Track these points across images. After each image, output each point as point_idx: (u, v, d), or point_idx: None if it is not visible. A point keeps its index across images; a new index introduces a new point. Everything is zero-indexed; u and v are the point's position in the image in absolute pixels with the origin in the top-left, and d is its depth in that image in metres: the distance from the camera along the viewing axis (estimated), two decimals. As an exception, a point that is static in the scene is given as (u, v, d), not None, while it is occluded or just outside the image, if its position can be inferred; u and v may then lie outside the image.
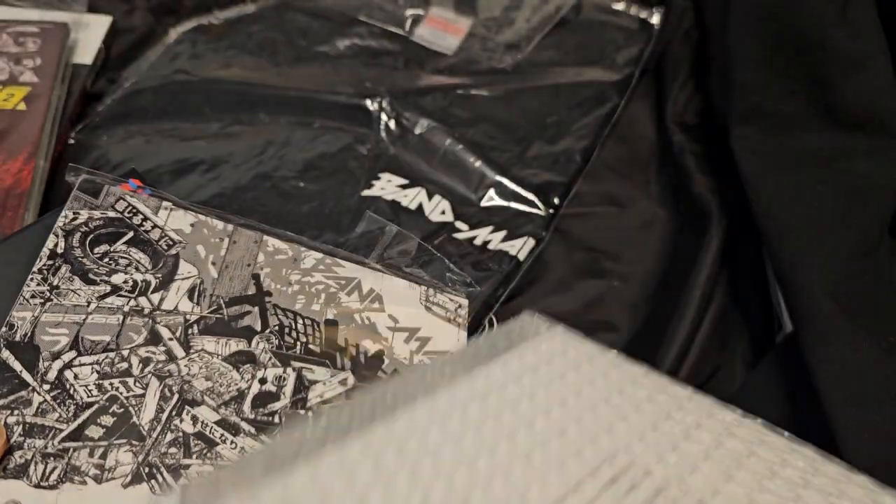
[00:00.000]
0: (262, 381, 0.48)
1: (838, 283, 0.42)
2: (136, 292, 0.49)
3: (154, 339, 0.47)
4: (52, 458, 0.42)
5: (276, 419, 0.47)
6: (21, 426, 0.42)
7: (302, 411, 0.48)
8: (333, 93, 0.56)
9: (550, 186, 0.56)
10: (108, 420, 0.44)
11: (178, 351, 0.48)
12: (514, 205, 0.55)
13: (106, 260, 0.49)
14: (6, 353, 0.44)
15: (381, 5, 0.58)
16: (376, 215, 0.56)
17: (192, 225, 0.53)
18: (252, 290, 0.52)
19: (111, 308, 0.48)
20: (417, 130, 0.55)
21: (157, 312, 0.48)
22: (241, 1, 0.62)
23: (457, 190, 0.55)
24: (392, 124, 0.55)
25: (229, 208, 0.54)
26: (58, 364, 0.45)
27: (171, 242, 0.52)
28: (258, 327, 0.50)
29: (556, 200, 0.56)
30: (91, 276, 0.48)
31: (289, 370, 0.49)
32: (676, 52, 0.58)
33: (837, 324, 0.41)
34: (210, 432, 0.45)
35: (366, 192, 0.55)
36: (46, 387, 0.44)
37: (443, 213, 0.55)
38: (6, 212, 0.49)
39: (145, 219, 0.52)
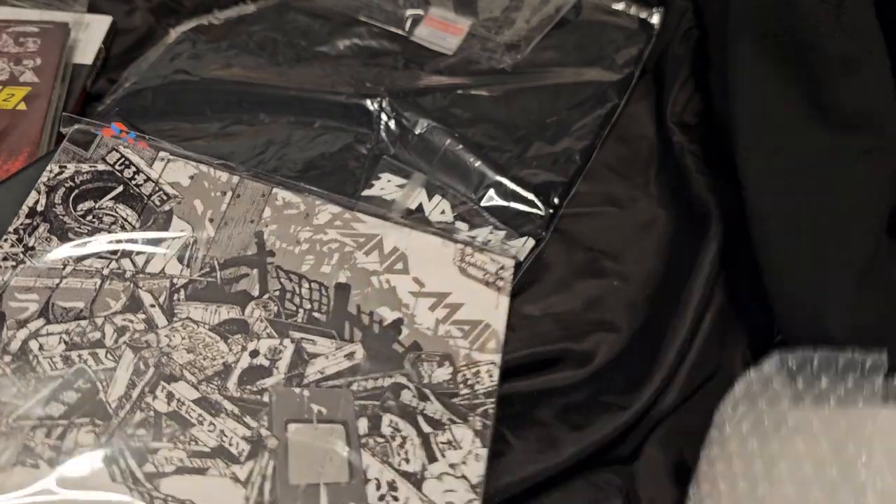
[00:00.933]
0: (254, 353, 0.42)
1: (840, 298, 0.41)
2: (119, 253, 0.44)
3: (133, 305, 0.42)
4: (3, 438, 0.37)
5: (265, 398, 0.41)
6: (-25, 401, 0.38)
7: (297, 389, 0.42)
8: (333, 93, 0.54)
9: (550, 186, 0.53)
10: (71, 396, 0.39)
11: (160, 319, 0.42)
12: (513, 205, 0.52)
13: (89, 218, 0.44)
14: (-32, 321, 0.40)
15: (381, 5, 0.56)
16: (397, 162, 0.48)
17: (191, 177, 0.47)
18: (252, 251, 0.46)
19: (89, 271, 0.43)
20: (417, 130, 0.53)
21: (141, 276, 0.43)
22: (241, 1, 0.61)
23: (457, 190, 0.52)
24: (392, 124, 0.53)
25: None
26: (23, 333, 0.40)
27: (164, 197, 0.46)
28: (255, 292, 0.44)
29: (556, 200, 0.52)
30: (71, 235, 0.44)
31: (286, 341, 0.43)
32: (676, 53, 0.56)
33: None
34: (186, 412, 0.40)
35: (366, 192, 0.52)
36: (7, 358, 0.39)
37: (442, 212, 0.52)
38: (7, 211, 0.47)
39: (137, 171, 0.47)
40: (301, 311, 0.44)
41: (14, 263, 0.42)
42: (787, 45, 0.47)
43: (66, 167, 0.46)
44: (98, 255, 0.43)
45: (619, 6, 0.60)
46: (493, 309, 0.47)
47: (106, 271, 0.43)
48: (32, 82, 0.50)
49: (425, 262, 0.48)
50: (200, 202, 0.46)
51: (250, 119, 0.54)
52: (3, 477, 0.36)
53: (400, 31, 0.57)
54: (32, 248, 0.43)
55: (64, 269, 0.42)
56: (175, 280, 0.43)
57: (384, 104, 0.53)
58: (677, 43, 0.56)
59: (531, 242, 0.50)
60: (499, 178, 0.51)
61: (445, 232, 0.50)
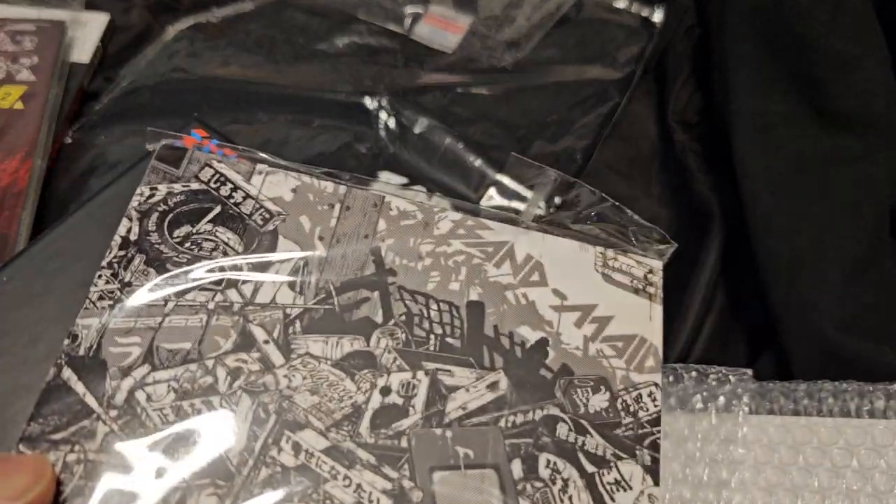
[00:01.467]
0: (385, 391, 0.37)
1: (835, 296, 0.41)
2: (223, 283, 0.39)
3: (245, 343, 0.37)
4: (117, 508, 0.33)
5: (404, 442, 0.36)
6: (82, 465, 0.33)
7: (438, 430, 0.36)
8: (332, 91, 0.53)
9: (552, 185, 0.50)
10: (186, 454, 0.34)
11: (276, 357, 0.37)
12: (514, 204, 0.49)
13: (187, 245, 0.39)
14: (68, 373, 0.35)
15: (381, 3, 0.56)
16: (525, 157, 0.43)
17: (293, 190, 0.42)
18: (371, 270, 0.40)
19: (193, 306, 0.38)
20: (417, 129, 0.52)
21: (250, 308, 0.38)
22: (239, -2, 0.63)
23: (457, 189, 0.51)
24: (391, 123, 0.52)
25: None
26: (128, 383, 0.35)
27: (267, 216, 0.41)
28: (379, 319, 0.39)
29: (556, 200, 0.48)
30: (169, 266, 0.39)
31: (420, 374, 0.37)
32: (678, 51, 0.55)
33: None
34: (317, 465, 0.34)
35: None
36: (114, 413, 0.35)
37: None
38: (3, 211, 0.45)
39: (235, 188, 0.41)
40: (432, 336, 0.39)
41: (111, 302, 0.37)
42: (785, 44, 0.46)
43: (157, 189, 0.41)
44: (201, 287, 0.38)
45: (621, 4, 0.60)
46: (647, 321, 0.41)
47: (211, 305, 0.38)
48: (29, 81, 0.48)
49: (564, 270, 0.42)
50: (307, 218, 0.41)
51: (248, 118, 0.52)
52: (120, 554, 0.32)
53: (399, 29, 0.57)
54: (129, 284, 0.38)
55: (165, 305, 0.37)
56: (288, 310, 0.38)
57: (383, 103, 0.52)
58: (679, 41, 0.56)
59: (673, 246, 0.44)
60: (499, 176, 0.49)
61: (581, 234, 0.43)
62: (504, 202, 0.47)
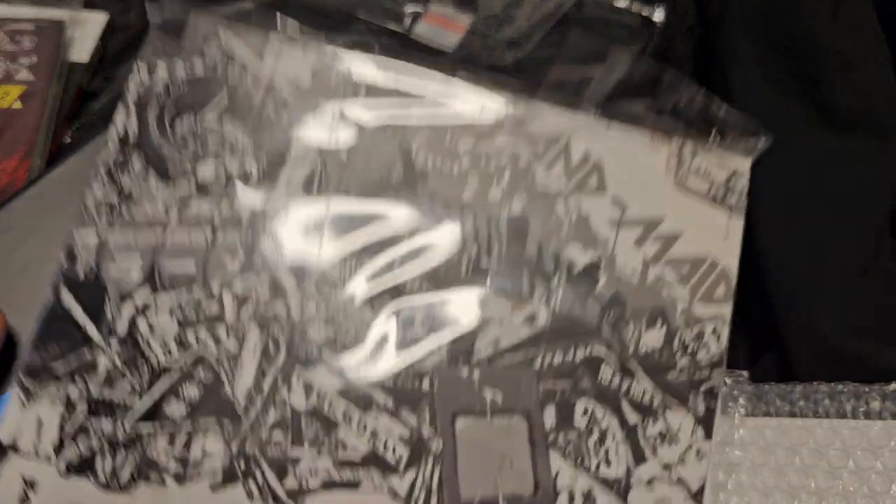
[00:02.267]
0: (408, 321, 0.33)
1: (836, 297, 0.41)
2: (231, 191, 0.34)
3: (253, 263, 0.33)
4: (122, 448, 0.31)
5: (425, 384, 0.32)
6: (84, 401, 0.32)
7: (464, 369, 0.33)
8: None
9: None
10: (192, 392, 0.32)
11: (287, 280, 0.33)
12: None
13: (190, 142, 0.35)
14: (66, 296, 0.33)
15: (380, 2, 0.53)
16: (587, 35, 0.35)
17: (313, 71, 0.36)
18: (398, 173, 0.35)
19: (197, 217, 0.34)
20: None
21: (259, 221, 0.34)
22: (238, -3, 0.51)
23: None
24: None
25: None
26: (129, 310, 0.33)
27: (280, 105, 0.35)
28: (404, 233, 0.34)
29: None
30: (171, 167, 0.34)
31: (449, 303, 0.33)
32: (679, 51, 0.52)
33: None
34: (329, 408, 0.32)
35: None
36: (115, 345, 0.32)
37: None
38: (2, 211, 0.45)
39: (244, 68, 0.35)
40: (465, 257, 0.34)
41: (109, 215, 0.34)
42: (785, 44, 0.46)
43: (155, 68, 0.35)
44: (205, 194, 0.34)
45: (622, 3, 0.54)
46: (722, 239, 0.35)
47: (217, 219, 0.34)
48: (28, 80, 0.48)
49: (628, 172, 0.35)
50: (327, 106, 0.35)
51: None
52: (126, 499, 0.31)
53: (399, 29, 0.52)
54: (128, 192, 0.34)
55: (167, 214, 0.34)
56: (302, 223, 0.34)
57: None
58: (680, 41, 0.52)
59: (764, 139, 0.38)
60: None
61: (654, 124, 0.36)
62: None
